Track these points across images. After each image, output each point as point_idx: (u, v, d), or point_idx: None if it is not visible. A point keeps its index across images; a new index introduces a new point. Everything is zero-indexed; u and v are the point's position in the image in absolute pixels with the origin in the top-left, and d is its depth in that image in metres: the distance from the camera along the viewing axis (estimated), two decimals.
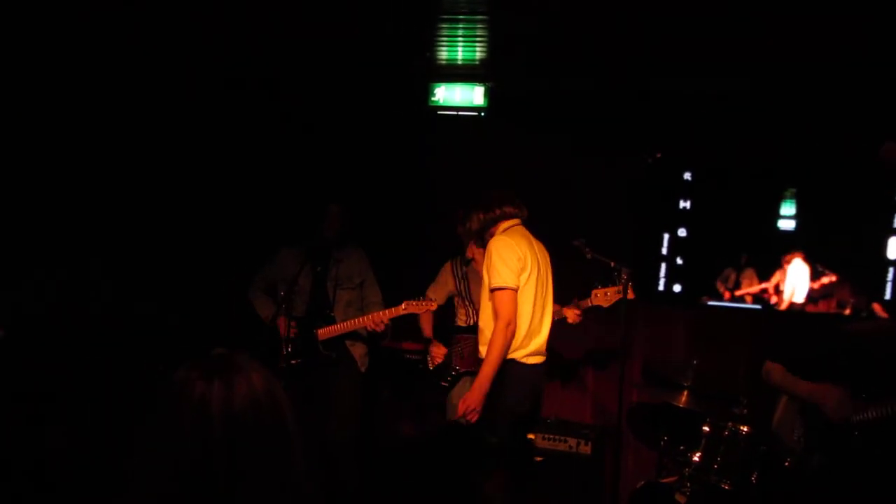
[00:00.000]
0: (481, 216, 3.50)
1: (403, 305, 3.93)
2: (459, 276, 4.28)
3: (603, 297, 3.82)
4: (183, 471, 1.18)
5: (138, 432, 1.24)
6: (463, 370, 4.13)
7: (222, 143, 4.76)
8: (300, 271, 3.96)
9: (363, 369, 4.21)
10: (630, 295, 3.69)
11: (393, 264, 4.51)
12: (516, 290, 3.28)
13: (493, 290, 3.29)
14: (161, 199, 4.56)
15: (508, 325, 3.25)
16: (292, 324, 3.98)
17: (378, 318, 3.95)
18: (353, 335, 4.14)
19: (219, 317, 4.62)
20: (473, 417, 3.25)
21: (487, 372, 3.26)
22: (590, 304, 3.87)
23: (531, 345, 3.40)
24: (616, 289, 3.75)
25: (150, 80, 4.41)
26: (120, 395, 3.83)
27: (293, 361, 4.01)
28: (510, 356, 3.33)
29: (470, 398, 3.26)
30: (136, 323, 4.36)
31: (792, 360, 3.14)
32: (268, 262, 4.28)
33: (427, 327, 4.36)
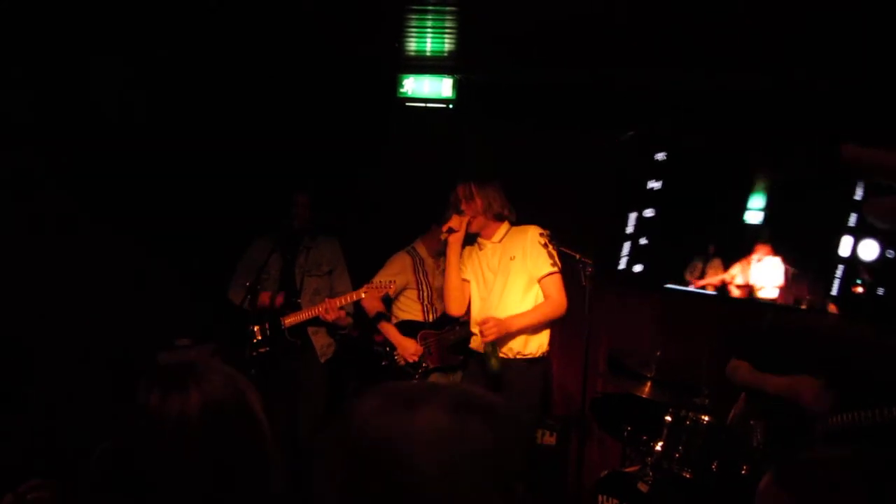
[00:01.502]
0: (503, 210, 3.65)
1: (364, 290, 3.91)
2: (421, 272, 4.26)
3: None
4: (172, 475, 1.19)
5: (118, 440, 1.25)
6: (433, 367, 4.12)
7: (188, 133, 4.69)
8: (268, 259, 3.94)
9: (323, 360, 4.18)
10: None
11: (359, 255, 4.50)
12: None
13: (551, 274, 3.48)
14: (127, 190, 4.48)
15: (562, 305, 3.47)
16: (265, 295, 3.96)
17: (333, 304, 3.91)
18: (316, 323, 4.10)
19: (185, 308, 4.57)
20: (487, 330, 3.40)
21: (522, 323, 3.45)
22: None
23: None
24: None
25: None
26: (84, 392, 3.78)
27: (261, 350, 3.98)
28: (547, 354, 3.58)
29: (500, 324, 3.41)
30: (100, 317, 4.28)
31: (759, 357, 3.10)
32: (242, 257, 4.25)
33: (375, 306, 4.22)
